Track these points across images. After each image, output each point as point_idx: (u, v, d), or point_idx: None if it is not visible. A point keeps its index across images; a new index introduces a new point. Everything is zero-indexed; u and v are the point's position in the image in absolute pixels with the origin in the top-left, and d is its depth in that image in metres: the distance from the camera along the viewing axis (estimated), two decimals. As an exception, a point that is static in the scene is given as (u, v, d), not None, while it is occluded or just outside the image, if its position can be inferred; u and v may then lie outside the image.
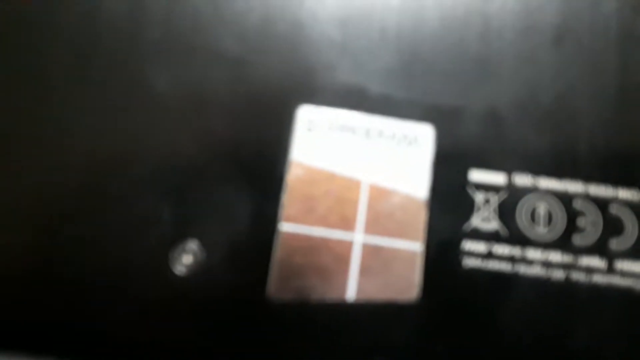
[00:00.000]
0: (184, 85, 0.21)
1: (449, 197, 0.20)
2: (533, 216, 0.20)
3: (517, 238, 0.20)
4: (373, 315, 0.19)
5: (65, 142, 0.20)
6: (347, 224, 0.20)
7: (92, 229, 0.20)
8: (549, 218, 0.20)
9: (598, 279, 0.20)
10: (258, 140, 0.20)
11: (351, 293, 0.19)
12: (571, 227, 0.20)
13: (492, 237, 0.20)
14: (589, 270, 0.20)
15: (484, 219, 0.20)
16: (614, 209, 0.20)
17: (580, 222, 0.20)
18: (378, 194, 0.20)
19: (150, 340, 0.19)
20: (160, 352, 0.19)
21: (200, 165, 0.20)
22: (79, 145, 0.20)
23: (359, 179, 0.20)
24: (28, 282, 0.19)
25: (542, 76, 0.21)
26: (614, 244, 0.20)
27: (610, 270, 0.20)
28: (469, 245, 0.20)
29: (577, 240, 0.20)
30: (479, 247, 0.20)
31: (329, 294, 0.19)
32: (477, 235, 0.20)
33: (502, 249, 0.20)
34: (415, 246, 0.20)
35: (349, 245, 0.20)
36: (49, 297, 0.19)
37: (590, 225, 0.20)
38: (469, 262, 0.20)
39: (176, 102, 0.21)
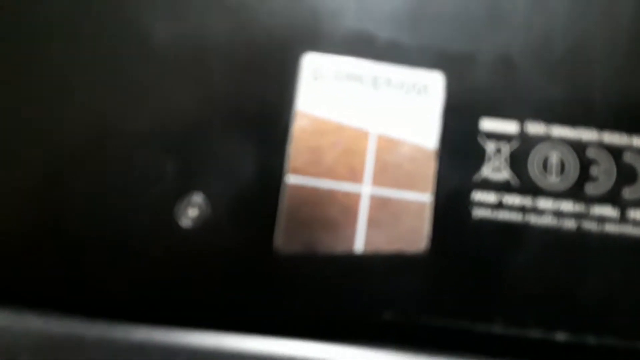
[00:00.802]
0: (182, 35, 0.20)
1: (459, 146, 0.20)
2: (545, 165, 0.20)
3: (529, 188, 0.19)
4: (381, 268, 0.19)
5: (61, 97, 0.20)
6: (355, 175, 0.19)
7: (95, 184, 0.19)
8: (562, 167, 0.20)
9: (610, 228, 0.19)
10: (261, 91, 0.20)
11: (359, 245, 0.19)
12: (584, 175, 0.20)
13: (502, 187, 0.19)
14: (601, 220, 0.19)
15: (495, 168, 0.20)
16: (627, 157, 0.20)
17: (593, 170, 0.20)
18: (386, 145, 0.20)
19: (156, 296, 0.19)
20: (167, 307, 0.19)
21: (202, 118, 0.20)
22: (76, 100, 0.20)
23: (367, 129, 0.20)
24: (30, 238, 0.19)
25: (555, 22, 0.21)
26: (627, 192, 0.20)
27: (623, 219, 0.19)
28: (479, 195, 0.19)
29: (590, 189, 0.20)
30: (489, 197, 0.19)
31: (337, 247, 0.19)
32: (487, 185, 0.19)
33: (512, 199, 0.19)
34: (424, 197, 0.19)
35: (356, 197, 0.19)
36: (50, 253, 0.19)
37: (603, 174, 0.20)
38: (479, 213, 0.19)
39: (174, 52, 0.20)
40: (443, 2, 0.21)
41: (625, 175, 0.20)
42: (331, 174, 0.19)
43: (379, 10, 0.20)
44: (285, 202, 0.19)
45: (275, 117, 0.20)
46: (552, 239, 0.19)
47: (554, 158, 0.20)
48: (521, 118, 0.20)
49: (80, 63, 0.20)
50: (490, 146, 0.20)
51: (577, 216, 0.19)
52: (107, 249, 0.19)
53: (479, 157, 0.20)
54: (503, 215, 0.19)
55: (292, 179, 0.19)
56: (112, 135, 0.19)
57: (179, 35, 0.20)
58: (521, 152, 0.20)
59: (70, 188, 0.19)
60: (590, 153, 0.20)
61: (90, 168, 0.19)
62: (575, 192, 0.20)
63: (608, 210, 0.19)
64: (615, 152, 0.20)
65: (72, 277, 0.19)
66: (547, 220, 0.19)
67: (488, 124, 0.20)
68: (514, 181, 0.20)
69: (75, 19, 0.20)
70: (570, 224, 0.19)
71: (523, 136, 0.20)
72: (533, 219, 0.19)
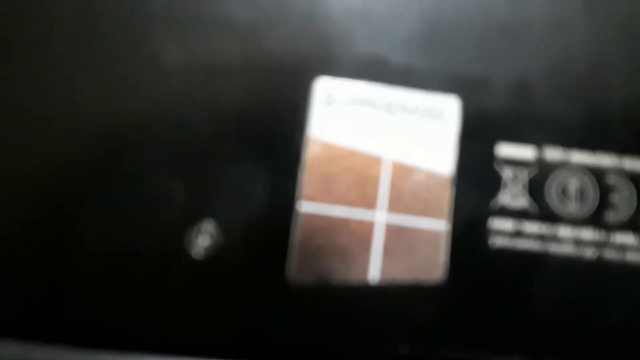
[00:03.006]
0: (194, 57, 0.20)
1: (475, 173, 0.19)
2: (564, 192, 0.19)
3: (547, 215, 0.19)
4: (396, 298, 0.18)
5: (70, 118, 0.19)
6: (369, 203, 0.19)
7: (101, 210, 0.19)
8: (581, 194, 0.19)
9: (632, 257, 0.19)
10: (273, 116, 0.19)
11: (373, 275, 0.19)
12: (603, 202, 0.19)
13: (520, 214, 0.19)
14: (622, 248, 0.19)
15: (513, 195, 0.19)
16: (648, 184, 0.19)
17: (613, 197, 0.19)
18: (401, 171, 0.19)
19: (165, 326, 0.18)
20: (177, 338, 0.18)
21: (213, 143, 0.19)
22: (84, 121, 0.19)
23: (381, 155, 0.19)
24: (33, 265, 0.19)
25: (572, 43, 0.20)
26: (649, 220, 0.19)
27: (645, 248, 0.19)
28: (496, 223, 0.19)
29: (610, 216, 0.19)
30: (507, 225, 0.19)
31: (351, 276, 0.19)
32: (505, 213, 0.19)
33: (531, 227, 0.19)
34: (440, 225, 0.19)
35: (370, 225, 0.19)
36: (54, 282, 0.18)
37: (623, 201, 0.19)
38: (497, 242, 0.19)
39: (186, 75, 0.20)
40: (457, 24, 0.20)
41: (647, 202, 0.19)
42: (344, 202, 0.19)
43: (392, 34, 0.20)
44: (297, 231, 0.19)
45: (288, 143, 0.19)
46: (572, 269, 0.19)
47: (573, 185, 0.19)
48: (539, 143, 0.19)
49: (87, 84, 0.20)
50: (507, 172, 0.19)
51: (597, 245, 0.19)
52: (112, 280, 0.18)
53: (496, 183, 0.19)
54: (521, 244, 0.19)
55: (304, 207, 0.19)
56: (119, 159, 0.19)
57: (190, 59, 0.20)
58: (539, 178, 0.19)
59: (73, 215, 0.19)
60: (610, 179, 0.19)
61: (95, 193, 0.19)
62: (595, 220, 0.19)
63: (629, 239, 0.19)
64: (635, 179, 0.19)
65: (75, 308, 0.18)
66: (566, 249, 0.19)
67: (505, 150, 0.19)
68: (533, 209, 0.19)
69: (85, 37, 0.20)
70: (590, 253, 0.19)
71: (541, 162, 0.19)
72: (552, 248, 0.19)
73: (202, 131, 0.19)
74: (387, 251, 0.19)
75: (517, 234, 0.19)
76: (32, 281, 0.19)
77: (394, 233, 0.19)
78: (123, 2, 0.20)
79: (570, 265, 0.19)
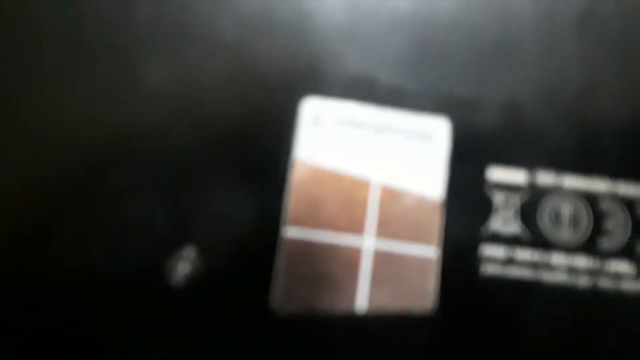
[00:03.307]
0: (178, 76, 0.19)
1: (466, 197, 0.19)
2: (557, 218, 0.19)
3: (540, 242, 0.18)
4: (385, 328, 0.18)
5: (49, 138, 0.19)
6: (356, 227, 0.18)
7: (77, 233, 0.18)
8: (574, 220, 0.19)
9: (627, 285, 0.18)
10: (259, 137, 0.19)
11: (361, 303, 0.18)
12: (597, 229, 0.19)
13: (512, 241, 0.18)
14: (617, 276, 0.18)
15: (504, 221, 0.18)
16: (643, 209, 0.19)
17: (607, 223, 0.19)
18: (389, 195, 0.19)
19: (144, 357, 0.17)
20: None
21: (195, 164, 0.19)
22: (63, 141, 0.19)
23: (369, 178, 0.19)
24: (9, 290, 0.18)
25: (565, 64, 0.20)
26: (644, 247, 0.19)
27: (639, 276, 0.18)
28: (488, 250, 0.18)
29: (604, 243, 0.19)
30: (499, 252, 0.18)
31: (338, 305, 0.18)
32: (496, 239, 0.18)
33: (523, 254, 0.18)
34: (429, 251, 0.18)
35: (358, 251, 0.18)
36: (29, 310, 0.18)
37: (617, 227, 0.19)
38: (488, 269, 0.18)
39: (169, 93, 0.19)
40: (448, 44, 0.20)
41: (641, 228, 0.19)
42: (331, 226, 0.18)
43: (381, 54, 0.19)
44: (282, 257, 0.18)
45: (273, 165, 0.19)
46: (566, 297, 0.18)
47: (566, 210, 0.19)
48: (531, 166, 0.19)
49: (67, 103, 0.19)
50: (498, 197, 0.19)
51: (592, 272, 0.18)
52: (89, 306, 0.18)
53: (487, 208, 0.19)
54: (513, 272, 0.18)
55: (290, 232, 0.18)
56: (98, 179, 0.18)
57: (174, 77, 0.19)
58: (531, 203, 0.19)
59: (48, 239, 0.18)
60: (604, 205, 0.19)
61: (71, 215, 0.18)
62: (588, 247, 0.19)
63: (624, 267, 0.18)
64: (630, 204, 0.19)
65: (49, 332, 0.18)
66: (560, 277, 0.18)
67: (496, 173, 0.19)
68: (525, 235, 0.18)
69: (67, 54, 0.19)
70: (584, 281, 0.18)
71: (533, 186, 0.19)
72: (545, 276, 0.18)
73: (185, 152, 0.19)
74: (375, 279, 0.18)
75: (509, 261, 0.18)
76: (5, 300, 0.18)
77: (383, 260, 0.18)
78: (108, 20, 0.20)
79: (564, 294, 0.18)
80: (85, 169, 0.19)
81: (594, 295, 0.18)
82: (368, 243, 0.18)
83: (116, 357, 0.18)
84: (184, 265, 0.18)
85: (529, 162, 0.19)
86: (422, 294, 0.18)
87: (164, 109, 0.19)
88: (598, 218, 0.19)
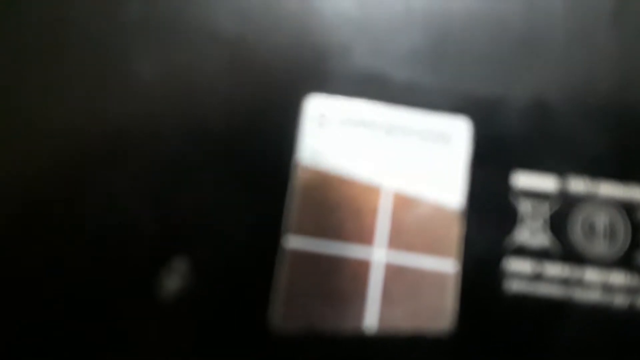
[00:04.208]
0: (172, 71, 0.18)
1: (488, 206, 0.17)
2: (590, 229, 0.17)
3: (571, 256, 0.17)
4: (396, 350, 0.16)
5: (28, 136, 0.17)
6: (366, 238, 0.17)
7: (56, 241, 0.17)
8: (610, 231, 0.17)
9: (669, 305, 0.17)
10: (259, 138, 0.17)
11: (370, 322, 0.16)
12: (636, 241, 0.17)
13: (540, 254, 0.17)
14: (658, 295, 0.17)
15: (532, 232, 0.17)
16: (687, 220, 0.17)
17: (647, 235, 0.17)
18: (402, 203, 0.17)
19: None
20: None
21: (188, 167, 0.17)
22: (44, 139, 0.17)
23: (380, 184, 0.17)
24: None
25: (598, 59, 0.18)
26: (688, 262, 0.17)
27: (685, 295, 0.17)
28: (513, 264, 0.17)
29: (644, 258, 0.17)
30: (525, 267, 0.17)
31: (344, 324, 0.16)
32: (522, 252, 0.17)
33: (553, 269, 0.17)
34: (447, 265, 0.17)
35: (367, 264, 0.17)
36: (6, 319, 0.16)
37: (658, 240, 0.17)
38: (513, 285, 0.17)
39: (162, 90, 0.18)
40: (468, 37, 0.18)
41: (685, 240, 0.17)
42: (338, 237, 0.17)
43: (394, 47, 0.18)
44: (284, 271, 0.16)
45: (274, 169, 0.17)
46: (600, 317, 0.17)
47: (601, 221, 0.17)
48: (561, 172, 0.17)
49: (50, 98, 0.18)
50: (525, 206, 0.17)
51: (629, 290, 0.17)
52: (68, 323, 0.16)
53: (512, 218, 0.17)
54: (542, 289, 0.17)
55: (292, 242, 0.17)
56: (79, 182, 0.17)
57: (167, 72, 0.18)
58: (562, 213, 0.17)
59: (22, 247, 0.17)
60: (644, 214, 0.17)
61: (50, 221, 0.17)
62: (626, 262, 0.17)
63: (666, 284, 0.17)
64: (673, 214, 0.17)
65: (30, 345, 0.16)
66: (594, 295, 0.17)
67: (522, 180, 0.17)
68: (554, 248, 0.17)
69: (53, 45, 0.18)
70: (620, 300, 0.17)
71: (563, 194, 0.17)
72: (577, 294, 0.17)
73: (177, 154, 0.17)
74: (387, 295, 0.16)
75: (537, 277, 0.17)
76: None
77: (395, 274, 0.17)
78: (97, 10, 0.18)
79: (598, 314, 0.17)
80: (69, 169, 0.17)
81: (632, 316, 0.17)
82: (379, 255, 0.17)
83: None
84: (173, 278, 0.16)
85: (558, 167, 0.17)
86: (439, 313, 0.16)
87: (157, 107, 0.18)
88: (636, 229, 0.17)
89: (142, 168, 0.17)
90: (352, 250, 0.17)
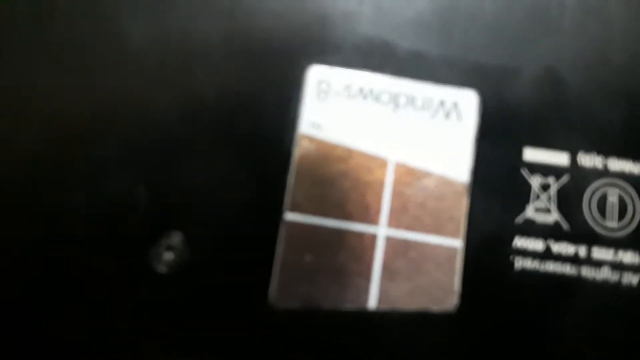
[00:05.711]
0: (166, 40, 0.17)
1: (496, 181, 0.17)
2: (602, 206, 0.16)
3: (582, 233, 0.16)
4: (400, 328, 0.16)
5: (19, 106, 0.17)
6: (369, 213, 0.16)
7: (52, 216, 0.16)
8: (621, 209, 0.16)
9: (681, 284, 0.16)
10: (258, 108, 0.17)
11: (373, 300, 0.16)
12: (647, 219, 0.16)
13: (550, 232, 0.16)
14: (670, 274, 0.16)
15: (541, 209, 0.16)
16: (701, 198, 0.16)
17: (659, 213, 0.16)
18: (407, 176, 0.16)
19: (127, 352, 0.15)
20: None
21: (185, 139, 0.17)
22: (35, 111, 0.17)
23: (384, 157, 0.17)
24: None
25: (612, 30, 0.18)
26: (701, 241, 0.16)
27: (697, 274, 0.16)
28: (521, 241, 0.16)
29: (655, 236, 0.16)
30: (534, 244, 0.16)
31: (346, 302, 0.16)
32: (531, 229, 0.16)
33: (562, 247, 0.16)
34: (453, 242, 0.16)
35: (370, 240, 0.16)
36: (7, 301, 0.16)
37: (670, 218, 0.16)
38: (522, 263, 0.16)
39: (156, 59, 0.17)
40: (477, 5, 0.18)
41: (698, 218, 0.16)
42: (340, 211, 0.16)
43: (400, 15, 0.17)
44: (283, 246, 0.16)
45: (274, 141, 0.17)
46: (610, 295, 0.16)
47: (612, 198, 0.16)
48: (572, 148, 0.17)
49: (41, 67, 0.17)
50: (534, 182, 0.17)
51: (638, 268, 0.16)
52: (67, 297, 0.16)
53: (522, 194, 0.17)
54: (551, 267, 0.16)
55: (292, 216, 0.16)
56: (74, 155, 0.16)
57: (161, 39, 0.17)
58: (573, 189, 0.17)
59: (19, 222, 0.16)
60: (656, 191, 0.17)
61: (45, 196, 0.16)
62: (636, 240, 0.16)
63: (679, 263, 0.16)
64: (686, 191, 0.17)
65: (27, 323, 0.16)
66: (603, 273, 0.16)
67: (532, 154, 0.17)
68: (564, 225, 0.16)
69: (41, 13, 0.17)
70: (630, 278, 0.16)
71: (575, 170, 0.17)
72: (587, 272, 0.16)
73: (173, 125, 0.17)
74: (390, 272, 0.16)
75: (546, 254, 0.16)
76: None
77: (398, 250, 0.16)
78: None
79: (607, 292, 0.16)
80: (59, 142, 0.17)
81: (642, 295, 0.16)
82: (382, 230, 0.16)
83: (98, 349, 0.15)
84: (168, 253, 0.16)
85: (569, 142, 0.17)
86: (444, 290, 0.16)
87: (149, 76, 0.17)
88: (649, 207, 0.16)
89: (135, 140, 0.17)
90: (355, 225, 0.16)
